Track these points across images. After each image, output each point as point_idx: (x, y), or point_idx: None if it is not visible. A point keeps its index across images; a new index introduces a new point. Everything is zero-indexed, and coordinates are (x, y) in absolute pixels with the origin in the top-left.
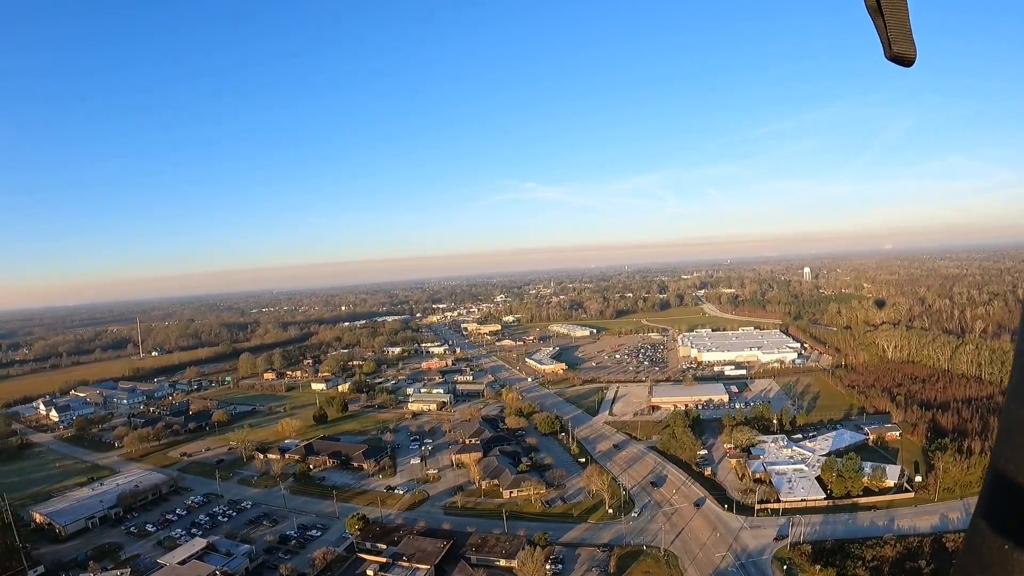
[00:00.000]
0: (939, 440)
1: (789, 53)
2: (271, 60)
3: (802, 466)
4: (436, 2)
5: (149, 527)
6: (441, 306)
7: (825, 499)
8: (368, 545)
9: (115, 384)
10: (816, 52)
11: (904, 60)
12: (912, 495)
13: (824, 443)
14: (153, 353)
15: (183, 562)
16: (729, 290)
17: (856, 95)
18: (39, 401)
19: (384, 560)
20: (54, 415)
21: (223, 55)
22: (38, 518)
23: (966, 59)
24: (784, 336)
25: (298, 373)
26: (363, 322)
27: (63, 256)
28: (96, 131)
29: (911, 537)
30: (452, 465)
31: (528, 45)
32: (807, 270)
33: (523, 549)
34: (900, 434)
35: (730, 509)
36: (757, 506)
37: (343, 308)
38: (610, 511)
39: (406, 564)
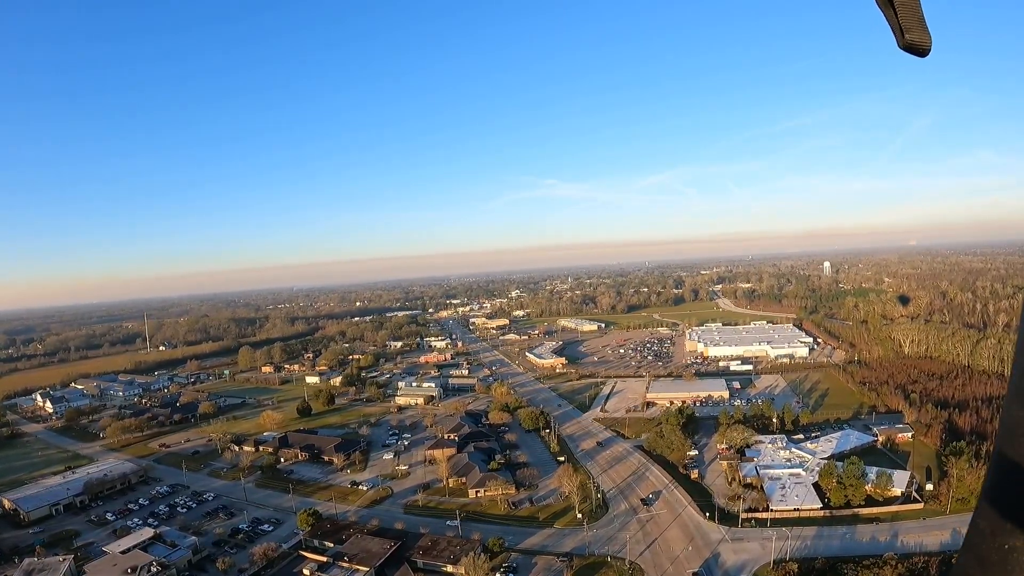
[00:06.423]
0: (954, 443)
1: (809, 49)
2: (289, 58)
3: (799, 470)
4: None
5: (109, 516)
6: (454, 301)
7: (821, 509)
8: (316, 542)
9: (115, 377)
10: (836, 47)
11: (918, 49)
12: (921, 506)
13: (827, 445)
14: (161, 348)
15: (126, 551)
16: (746, 285)
17: (877, 90)
18: (37, 393)
19: (325, 559)
20: (49, 406)
21: (240, 53)
22: (6, 503)
23: (990, 51)
24: (797, 331)
25: (297, 367)
26: (371, 317)
27: (87, 254)
28: (125, 130)
29: (916, 556)
30: (424, 461)
31: (550, 41)
32: (827, 265)
33: (467, 555)
34: (912, 436)
35: (712, 517)
36: (743, 515)
37: (357, 304)
38: (580, 515)
39: (346, 565)
